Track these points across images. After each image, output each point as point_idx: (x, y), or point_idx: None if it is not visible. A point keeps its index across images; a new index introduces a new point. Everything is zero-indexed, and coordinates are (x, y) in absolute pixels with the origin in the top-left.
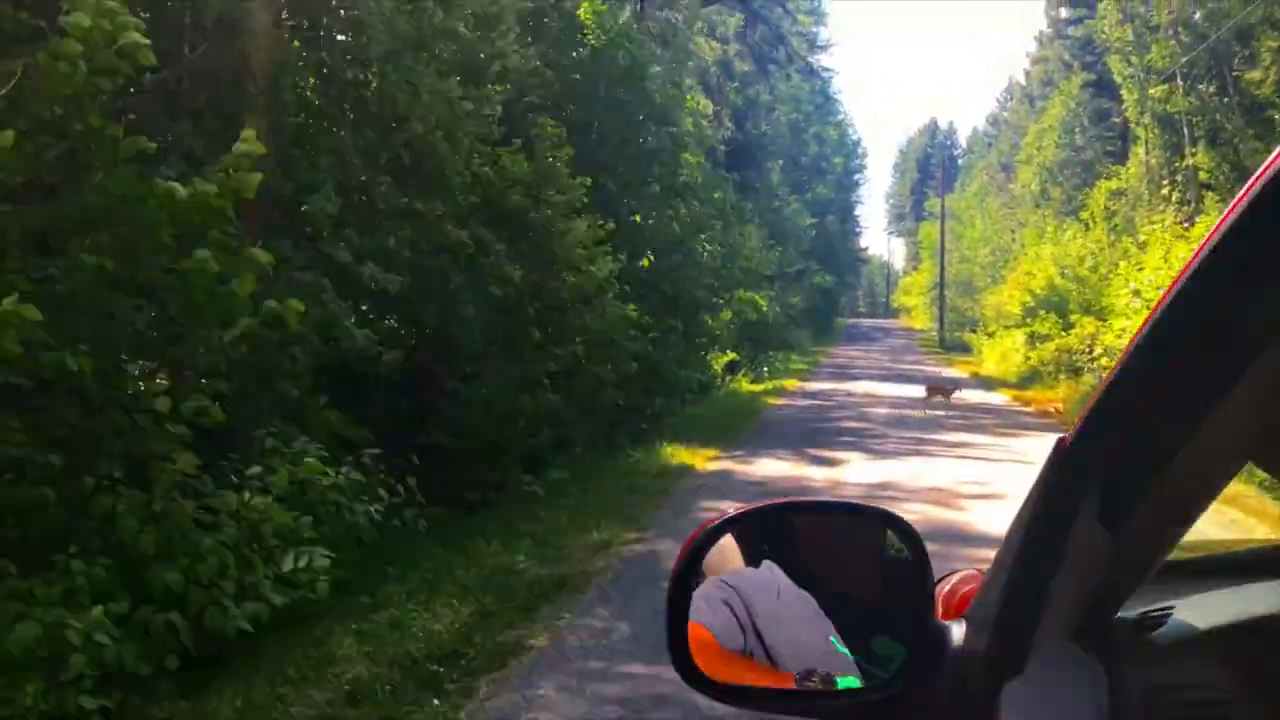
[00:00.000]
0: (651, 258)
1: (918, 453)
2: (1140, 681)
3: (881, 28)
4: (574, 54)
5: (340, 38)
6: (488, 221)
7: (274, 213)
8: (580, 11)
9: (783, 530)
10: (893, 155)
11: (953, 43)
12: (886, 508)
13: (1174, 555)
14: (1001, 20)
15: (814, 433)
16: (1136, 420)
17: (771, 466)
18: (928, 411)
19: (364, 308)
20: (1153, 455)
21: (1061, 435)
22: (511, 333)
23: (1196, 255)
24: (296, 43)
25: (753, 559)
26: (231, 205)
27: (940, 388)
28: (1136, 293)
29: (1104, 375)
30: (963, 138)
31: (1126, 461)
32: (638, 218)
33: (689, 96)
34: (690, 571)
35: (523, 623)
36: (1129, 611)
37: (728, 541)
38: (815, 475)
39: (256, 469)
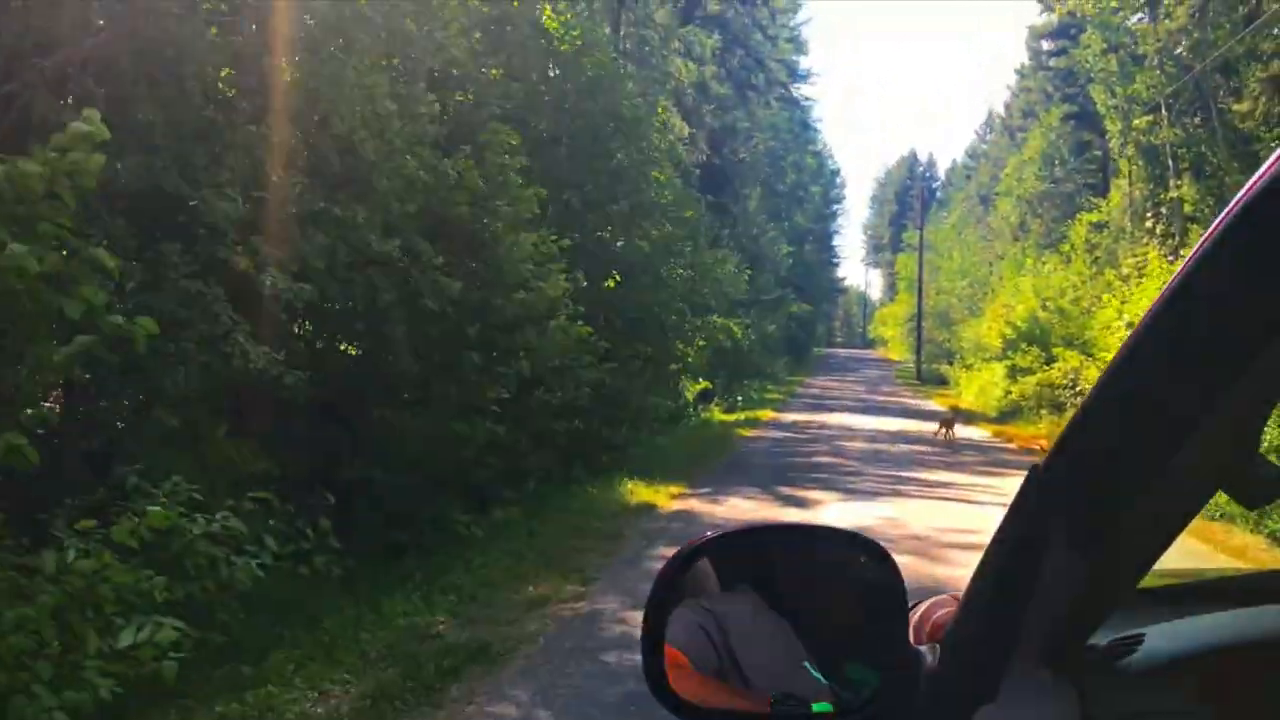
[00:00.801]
0: (618, 278)
1: (896, 493)
2: (1112, 708)
3: (861, 60)
4: (538, 64)
5: (254, 26)
6: (429, 233)
7: (167, 213)
8: (546, 19)
9: (758, 553)
10: (871, 187)
11: (932, 75)
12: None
13: (1145, 582)
14: (981, 53)
15: (786, 468)
16: (1109, 448)
17: (739, 507)
18: (947, 441)
19: (279, 323)
20: (1125, 483)
21: (1035, 463)
22: (449, 354)
23: (1169, 287)
24: (214, 29)
25: (728, 582)
26: (71, 195)
27: (948, 421)
28: (1131, 326)
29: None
30: (941, 170)
31: (1099, 489)
32: (605, 234)
33: (660, 108)
34: (667, 594)
35: (422, 708)
36: (1101, 638)
37: (704, 564)
38: (788, 517)
39: (92, 521)
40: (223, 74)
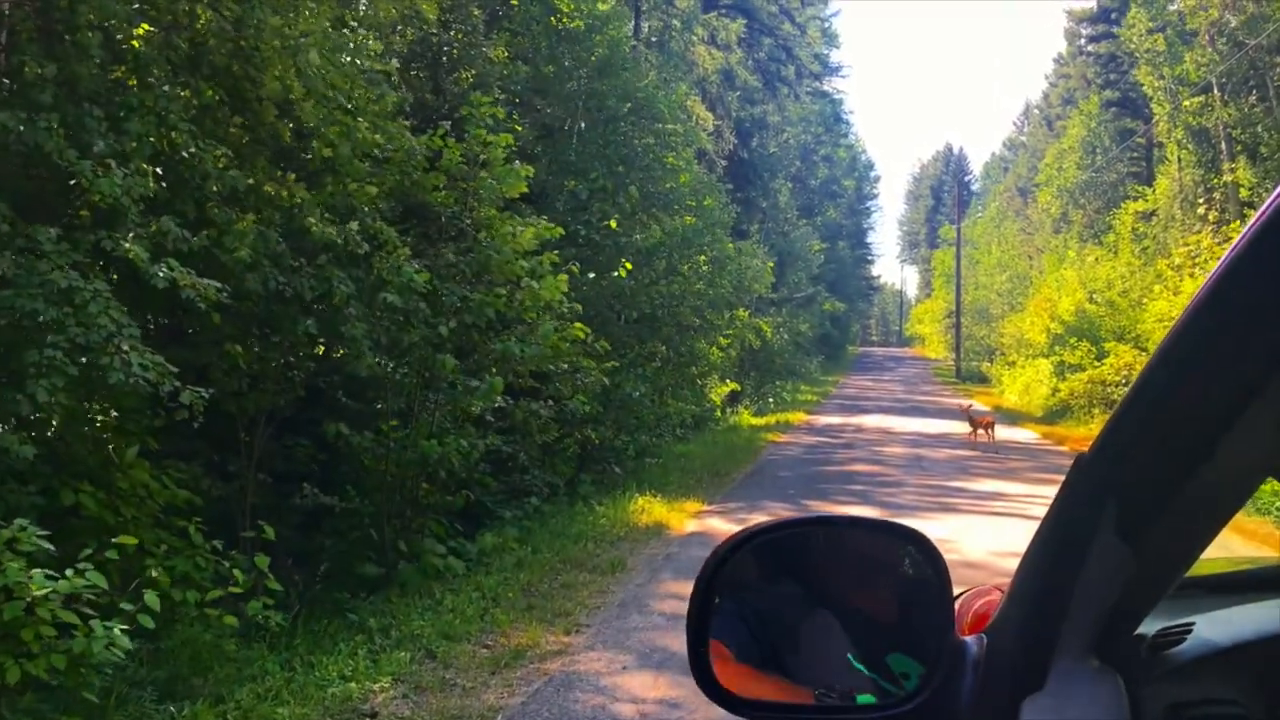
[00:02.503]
0: (628, 267)
1: (942, 507)
2: (1160, 698)
3: (894, 55)
4: (544, 44)
5: None
6: (403, 217)
7: (48, 190)
8: None
9: (802, 546)
10: (906, 183)
11: (967, 69)
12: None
13: (1192, 571)
14: (1017, 44)
15: (818, 478)
16: (1156, 436)
17: None
18: (976, 444)
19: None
20: (1172, 471)
21: (1081, 452)
22: (421, 357)
23: (1216, 272)
24: None
25: (772, 575)
26: None
27: (981, 420)
28: None
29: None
30: (977, 164)
31: (1146, 477)
32: (613, 224)
33: (680, 91)
34: (712, 587)
35: None
36: (1148, 627)
37: (748, 557)
38: None
39: None
40: (139, 29)
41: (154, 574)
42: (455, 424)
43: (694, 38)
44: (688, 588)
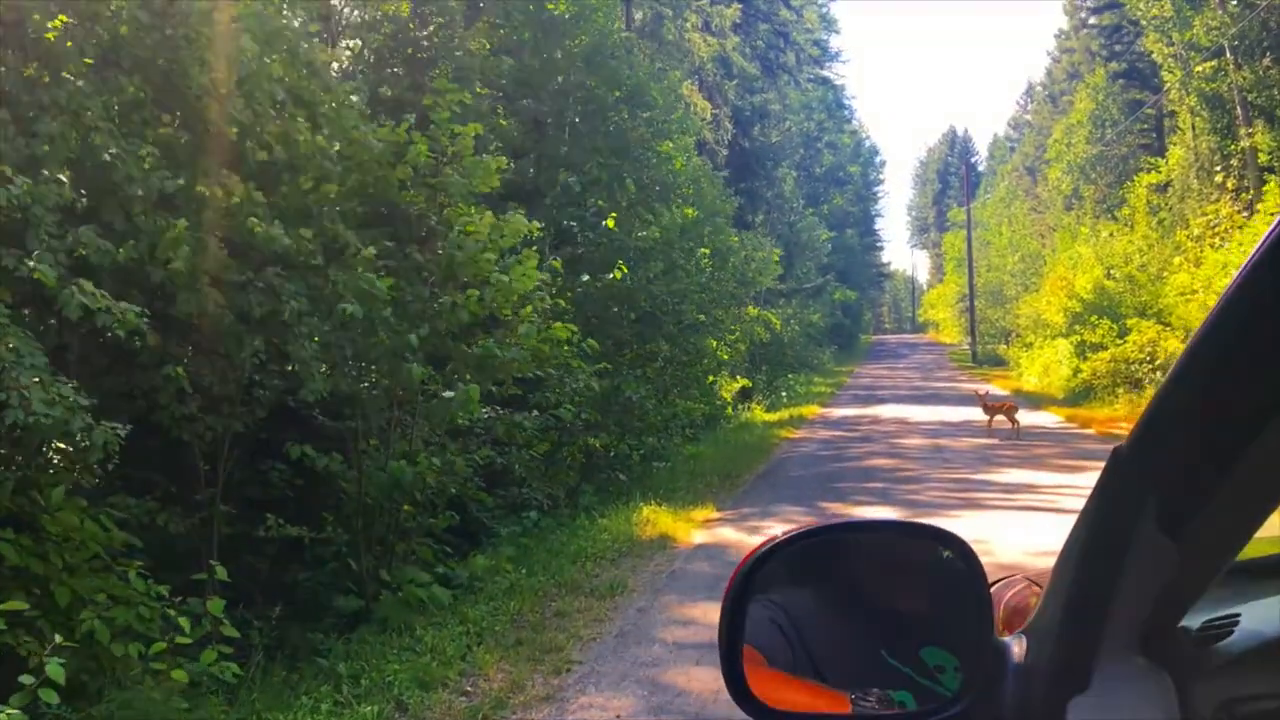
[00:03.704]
0: (624, 268)
1: (968, 503)
2: (1211, 694)
3: (894, 40)
4: (528, 35)
5: None
6: (371, 220)
7: None
8: None
9: (834, 551)
10: (913, 167)
11: (968, 50)
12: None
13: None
14: (1017, 24)
15: (835, 476)
16: (1197, 424)
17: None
18: (995, 430)
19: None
20: (1215, 460)
21: (1118, 444)
22: (389, 369)
23: (1257, 252)
24: None
25: (804, 580)
26: None
27: (1002, 405)
28: (1209, 288)
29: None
30: (982, 145)
31: (1187, 467)
32: (610, 223)
33: (673, 77)
34: (743, 594)
35: None
36: (1193, 620)
37: (779, 564)
38: None
39: None
40: (55, 22)
41: (93, 626)
42: (436, 439)
43: (688, 25)
44: (693, 610)
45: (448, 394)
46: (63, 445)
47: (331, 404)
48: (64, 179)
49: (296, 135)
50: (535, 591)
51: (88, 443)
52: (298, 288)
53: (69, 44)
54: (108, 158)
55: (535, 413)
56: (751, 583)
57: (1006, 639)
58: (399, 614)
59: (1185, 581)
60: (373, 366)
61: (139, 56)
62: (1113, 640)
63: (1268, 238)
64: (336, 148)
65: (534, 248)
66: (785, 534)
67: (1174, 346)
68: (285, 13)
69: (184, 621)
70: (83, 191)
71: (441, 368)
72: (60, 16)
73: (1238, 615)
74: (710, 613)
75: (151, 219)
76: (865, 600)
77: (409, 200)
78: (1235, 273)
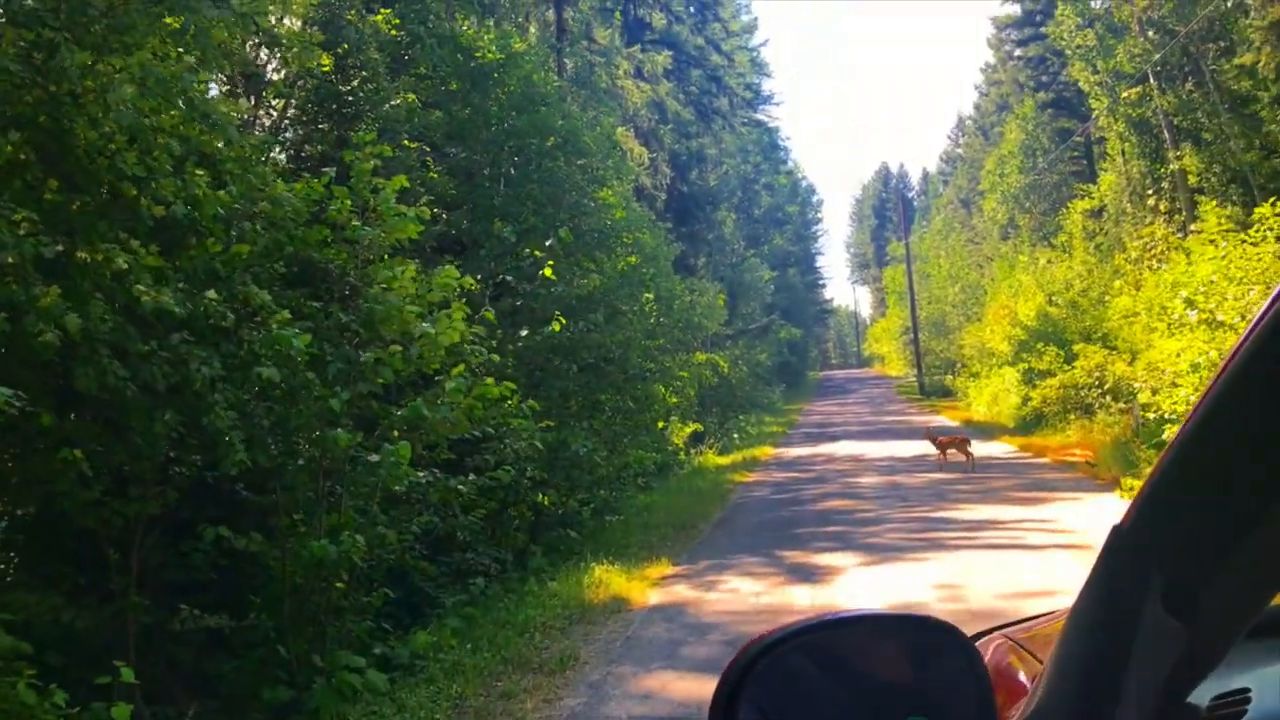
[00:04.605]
0: (562, 320)
1: (931, 544)
2: None
3: (823, 81)
4: (456, 86)
5: None
6: (296, 280)
7: None
8: (462, 34)
9: (824, 645)
10: (849, 205)
11: (897, 87)
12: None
13: None
14: (944, 61)
15: (792, 521)
16: (1200, 500)
17: (738, 591)
18: (946, 465)
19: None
20: (1221, 537)
21: (1117, 522)
22: (313, 438)
23: (1260, 321)
24: None
25: (795, 671)
26: None
27: (953, 440)
28: (1190, 302)
29: (1163, 447)
30: (916, 180)
31: (1192, 544)
32: (548, 272)
33: (606, 123)
34: (735, 693)
35: None
36: (1200, 694)
37: (768, 664)
38: (798, 602)
39: None
40: None
41: None
42: (369, 509)
43: (620, 71)
44: (650, 681)
45: (374, 458)
46: None
47: (256, 477)
48: None
49: (195, 190)
50: (480, 670)
51: None
52: (208, 354)
53: None
54: None
55: (472, 476)
56: (742, 685)
57: None
58: (332, 704)
59: (1194, 660)
60: (295, 435)
61: (20, 115)
62: None
63: (1268, 308)
64: (254, 207)
65: (463, 299)
66: (772, 633)
67: (1121, 370)
68: (179, 62)
69: None
70: None
71: (370, 432)
72: None
73: (1247, 691)
74: (670, 683)
75: (23, 289)
76: (862, 696)
77: (329, 257)
78: (1234, 345)
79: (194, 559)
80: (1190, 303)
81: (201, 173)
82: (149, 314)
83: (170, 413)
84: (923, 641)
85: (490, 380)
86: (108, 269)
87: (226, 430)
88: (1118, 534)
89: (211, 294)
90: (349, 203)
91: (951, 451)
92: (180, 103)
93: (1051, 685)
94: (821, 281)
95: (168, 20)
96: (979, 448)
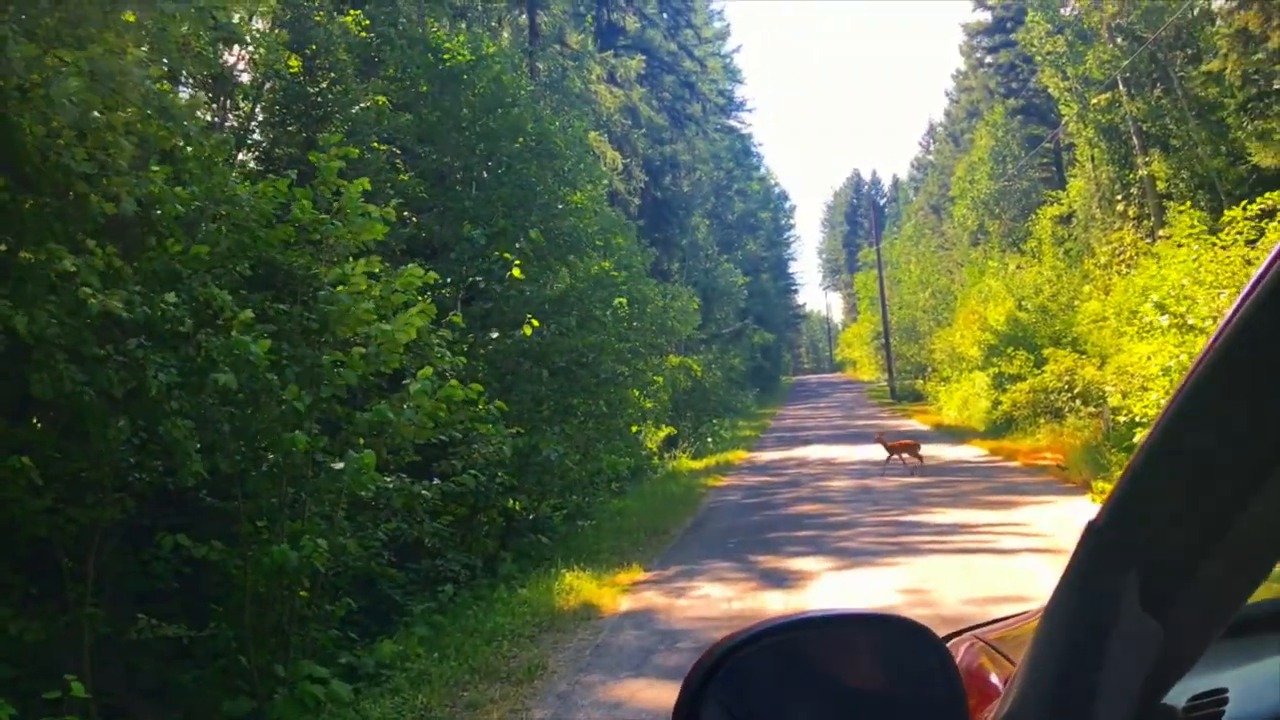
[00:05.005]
0: (534, 323)
1: (902, 548)
2: None
3: (796, 87)
4: (426, 88)
5: None
6: (262, 282)
7: None
8: (432, 35)
9: (793, 645)
10: (821, 211)
11: (870, 94)
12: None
13: None
14: (915, 67)
15: (764, 527)
16: (1177, 498)
17: (710, 597)
18: (887, 467)
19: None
20: (1199, 534)
21: (1092, 519)
22: (274, 443)
23: (1234, 318)
24: None
25: (763, 671)
26: None
27: (904, 444)
28: (1161, 306)
29: (1134, 450)
30: (886, 186)
31: (1169, 542)
32: (516, 272)
33: (578, 125)
34: (701, 692)
35: None
36: (1176, 695)
37: (737, 662)
38: (770, 607)
39: None
40: None
41: None
42: (333, 515)
43: (592, 76)
44: (620, 691)
45: (338, 465)
46: None
47: (219, 483)
48: None
49: (150, 188)
50: (446, 680)
51: None
52: (165, 359)
53: None
54: None
55: (437, 481)
56: (707, 686)
57: None
58: (294, 715)
59: (1171, 660)
60: (257, 440)
61: None
62: None
63: (1247, 302)
64: (217, 208)
65: (429, 298)
66: (740, 633)
67: (1091, 374)
68: (132, 56)
69: None
70: None
71: (335, 436)
72: None
73: (1224, 692)
74: (639, 692)
75: None
76: (832, 698)
77: (292, 259)
78: (1207, 342)
79: (155, 567)
80: (1161, 307)
81: (158, 169)
82: (94, 317)
83: (126, 419)
84: (894, 642)
85: (455, 382)
86: (52, 270)
87: (183, 439)
88: (1093, 532)
89: (170, 297)
90: (310, 204)
91: (905, 455)
92: (136, 99)
93: (1025, 686)
94: (794, 287)
95: (125, 16)
96: (949, 451)
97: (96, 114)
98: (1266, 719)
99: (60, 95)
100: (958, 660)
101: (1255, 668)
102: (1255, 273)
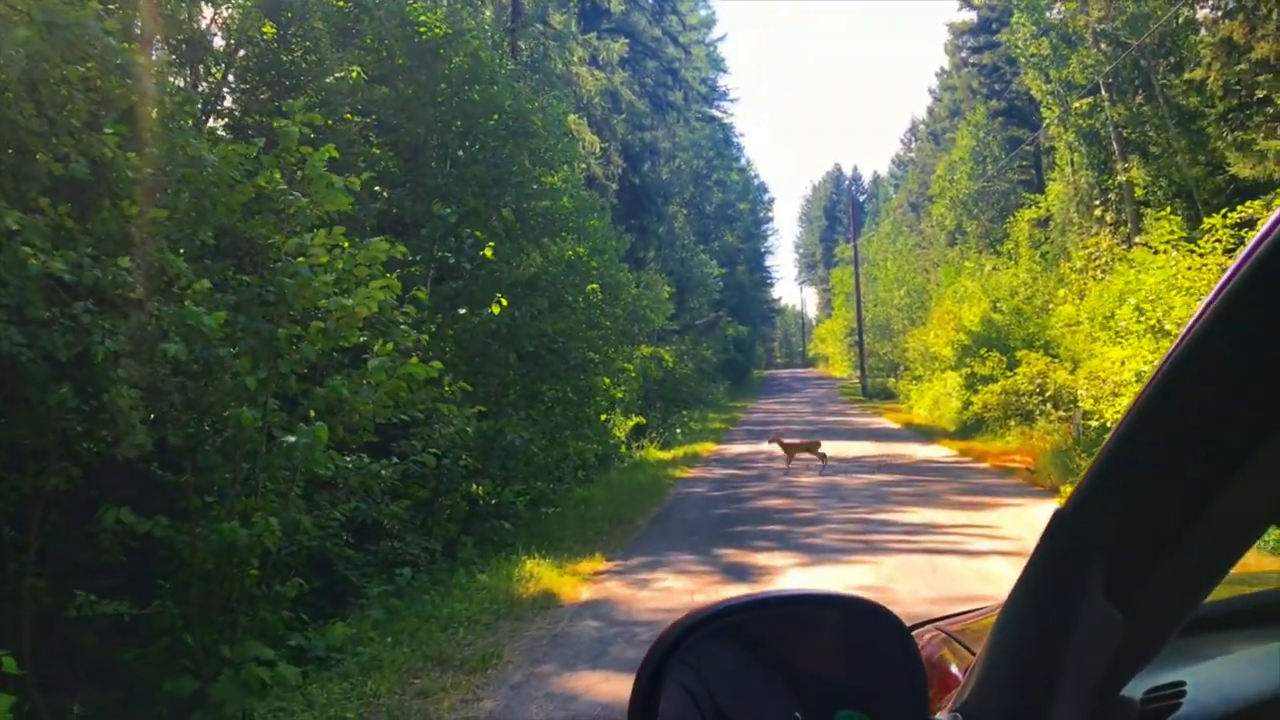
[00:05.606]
0: (504, 302)
1: (869, 547)
2: None
3: (780, 79)
4: (402, 61)
5: None
6: (217, 251)
7: None
8: (409, 7)
9: (754, 625)
10: (799, 205)
11: (853, 90)
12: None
13: None
14: (900, 64)
15: (730, 520)
16: (1146, 486)
17: (671, 590)
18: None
19: None
20: (1164, 526)
21: (1059, 507)
22: (225, 417)
23: (1208, 311)
24: None
25: (722, 656)
26: None
27: (803, 444)
28: (1139, 309)
29: (1106, 434)
30: (866, 182)
31: (1135, 532)
32: (489, 253)
33: (556, 105)
34: (658, 674)
35: None
36: (1134, 687)
37: (698, 640)
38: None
39: None
40: None
41: None
42: (288, 491)
43: (574, 58)
44: (576, 683)
45: (289, 439)
46: None
47: (170, 456)
48: None
49: (103, 149)
50: (398, 666)
51: None
52: (114, 325)
53: None
54: None
55: (395, 460)
56: (668, 662)
57: (940, 716)
58: (238, 697)
59: (1132, 651)
60: (208, 414)
61: None
62: (1053, 715)
63: (1220, 295)
64: (181, 170)
65: (396, 274)
66: (699, 611)
67: (1062, 378)
68: (91, 9)
69: None
70: None
71: (292, 412)
72: None
73: (1182, 685)
74: (595, 685)
75: None
76: (790, 679)
77: (253, 228)
78: (1181, 332)
79: (102, 540)
80: (1140, 310)
81: (111, 131)
82: (33, 278)
83: (69, 385)
84: (854, 622)
85: (416, 360)
86: None
87: (126, 409)
88: (1060, 519)
89: (124, 261)
90: (278, 173)
91: (805, 455)
92: (93, 53)
93: (985, 673)
94: (770, 280)
95: None
96: (919, 450)
97: (47, 66)
98: (1223, 713)
99: (9, 45)
100: (919, 648)
101: (1213, 664)
102: (1223, 276)
